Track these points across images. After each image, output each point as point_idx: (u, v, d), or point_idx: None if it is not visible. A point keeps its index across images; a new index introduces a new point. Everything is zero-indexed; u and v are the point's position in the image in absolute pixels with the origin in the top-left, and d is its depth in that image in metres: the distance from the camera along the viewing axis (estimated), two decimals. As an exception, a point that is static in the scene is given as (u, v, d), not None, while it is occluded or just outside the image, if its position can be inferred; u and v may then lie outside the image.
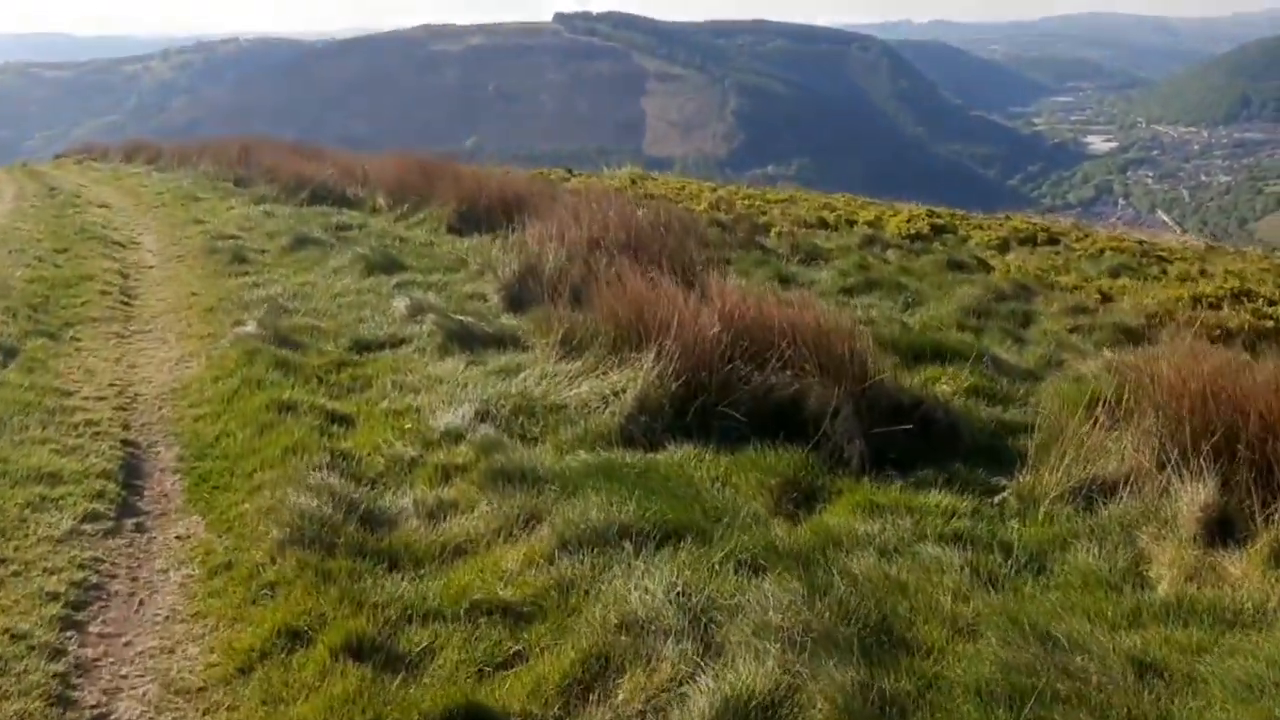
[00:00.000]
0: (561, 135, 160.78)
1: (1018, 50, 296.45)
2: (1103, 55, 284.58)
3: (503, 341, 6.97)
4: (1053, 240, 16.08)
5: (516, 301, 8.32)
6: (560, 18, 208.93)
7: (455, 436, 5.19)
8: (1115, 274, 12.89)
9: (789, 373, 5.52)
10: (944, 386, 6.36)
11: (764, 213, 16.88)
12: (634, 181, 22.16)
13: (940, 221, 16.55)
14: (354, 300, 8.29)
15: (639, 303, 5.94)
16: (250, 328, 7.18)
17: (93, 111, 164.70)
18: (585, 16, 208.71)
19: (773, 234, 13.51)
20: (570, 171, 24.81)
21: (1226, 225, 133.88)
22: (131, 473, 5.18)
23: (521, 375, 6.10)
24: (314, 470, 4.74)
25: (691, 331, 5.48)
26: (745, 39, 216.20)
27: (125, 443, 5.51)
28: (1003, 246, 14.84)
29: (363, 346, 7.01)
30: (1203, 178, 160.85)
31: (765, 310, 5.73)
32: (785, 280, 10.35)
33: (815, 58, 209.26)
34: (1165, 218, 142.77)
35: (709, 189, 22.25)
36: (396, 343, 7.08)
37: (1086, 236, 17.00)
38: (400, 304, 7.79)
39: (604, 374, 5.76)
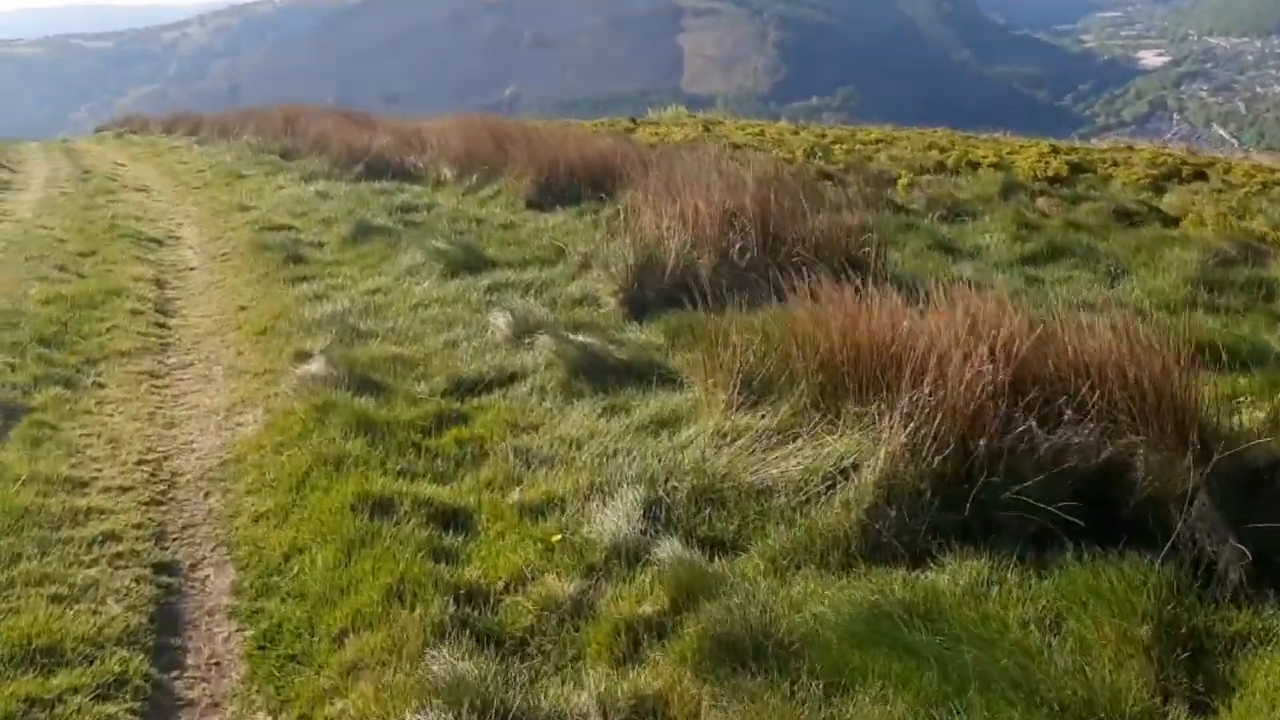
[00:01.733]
0: (600, 79, 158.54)
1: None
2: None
3: (642, 373, 5.30)
4: (1199, 175, 14.15)
5: (638, 305, 6.66)
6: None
7: (628, 555, 3.56)
8: (1305, 215, 11.00)
9: (1090, 428, 3.81)
10: (1256, 412, 4.63)
11: (870, 158, 15.04)
12: (707, 128, 20.34)
13: (1073, 159, 14.64)
14: (439, 314, 6.64)
15: (866, 331, 4.22)
16: (317, 365, 5.57)
17: (135, 80, 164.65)
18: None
19: (899, 186, 11.68)
20: (634, 121, 23.00)
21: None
22: (167, 624, 3.61)
23: (686, 434, 4.44)
24: (436, 637, 3.14)
25: (957, 376, 3.78)
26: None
27: (159, 568, 3.93)
28: (1155, 186, 12.92)
29: (464, 387, 5.36)
30: (1258, 89, 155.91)
31: (1046, 335, 4.01)
32: (946, 249, 8.59)
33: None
34: (1222, 132, 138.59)
35: (790, 131, 20.38)
36: (505, 379, 5.43)
37: (1230, 169, 15.05)
38: (500, 320, 6.14)
39: (814, 438, 4.07)
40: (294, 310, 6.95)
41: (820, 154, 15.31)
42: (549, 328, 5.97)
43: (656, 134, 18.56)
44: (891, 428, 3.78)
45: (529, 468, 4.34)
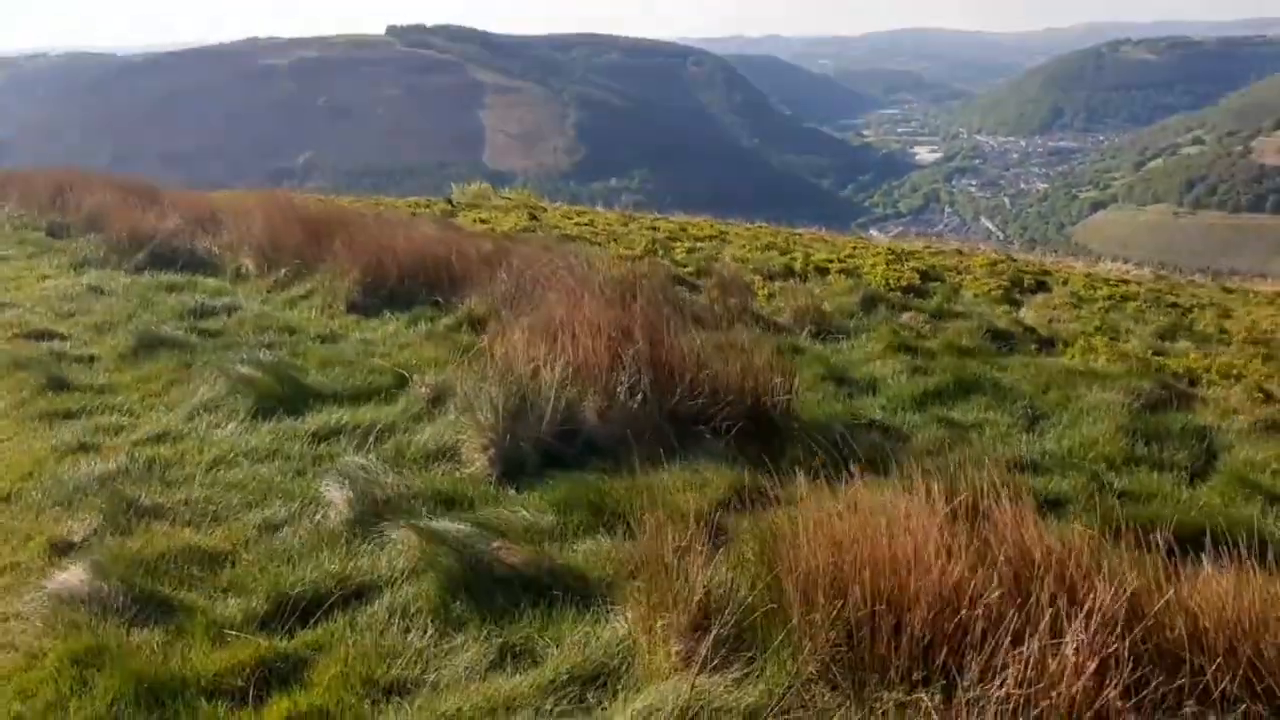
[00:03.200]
0: (399, 150, 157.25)
1: (845, 64, 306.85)
2: (925, 68, 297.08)
3: (543, 585, 3.94)
4: (1041, 284, 13.89)
5: (514, 463, 5.31)
6: (393, 30, 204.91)
7: None
8: (1168, 336, 10.64)
9: (1216, 722, 2.71)
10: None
11: (714, 258, 14.15)
12: (533, 216, 19.18)
13: (918, 265, 14.14)
14: (250, 478, 5.08)
15: (884, 559, 3.01)
16: (79, 573, 3.96)
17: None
18: (419, 29, 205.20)
19: (761, 296, 10.73)
20: (451, 203, 21.63)
21: (1046, 230, 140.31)
22: None
23: (630, 710, 3.11)
24: None
25: (1064, 659, 2.61)
26: (582, 52, 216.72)
27: None
28: (1009, 299, 12.45)
29: (293, 610, 3.85)
30: (1022, 185, 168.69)
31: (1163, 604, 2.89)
32: (839, 380, 7.58)
33: (652, 71, 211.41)
34: (989, 224, 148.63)
35: (619, 222, 19.46)
36: (350, 594, 3.95)
37: (1068, 279, 14.91)
38: (336, 494, 4.65)
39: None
40: (51, 467, 5.24)
41: (662, 251, 14.33)
42: (404, 506, 4.56)
43: (482, 220, 17.29)
44: (969, 741, 2.56)
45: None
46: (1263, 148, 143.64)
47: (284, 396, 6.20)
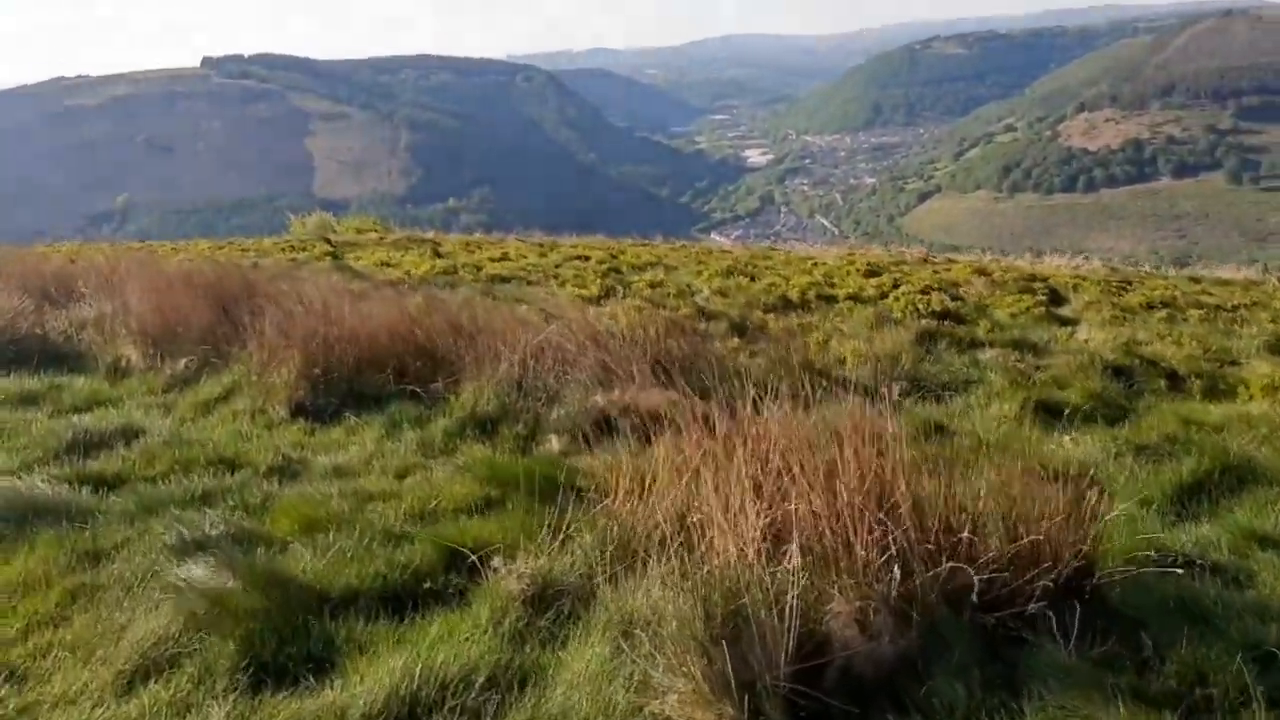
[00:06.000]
0: (224, 183, 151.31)
1: (672, 74, 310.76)
2: (750, 74, 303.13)
3: None
4: (1053, 295, 12.16)
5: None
6: (209, 62, 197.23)
7: None
8: (1278, 351, 8.94)
9: None
10: None
11: (688, 289, 11.88)
12: (437, 253, 16.57)
13: (933, 284, 12.17)
14: None
15: None
16: None
17: None
18: (237, 60, 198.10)
19: (812, 344, 8.46)
20: (331, 244, 18.81)
21: (878, 223, 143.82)
22: None
23: None
24: None
25: None
26: (409, 74, 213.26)
27: None
28: (1050, 316, 10.59)
29: None
30: (852, 181, 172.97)
31: None
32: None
33: (482, 89, 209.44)
34: (824, 221, 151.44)
35: (535, 252, 17.02)
36: None
37: (1076, 284, 13.26)
38: None
39: None
40: None
41: (621, 289, 11.97)
42: None
43: (385, 263, 14.61)
44: None
45: None
46: (1069, 130, 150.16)
47: (278, 621, 3.60)
